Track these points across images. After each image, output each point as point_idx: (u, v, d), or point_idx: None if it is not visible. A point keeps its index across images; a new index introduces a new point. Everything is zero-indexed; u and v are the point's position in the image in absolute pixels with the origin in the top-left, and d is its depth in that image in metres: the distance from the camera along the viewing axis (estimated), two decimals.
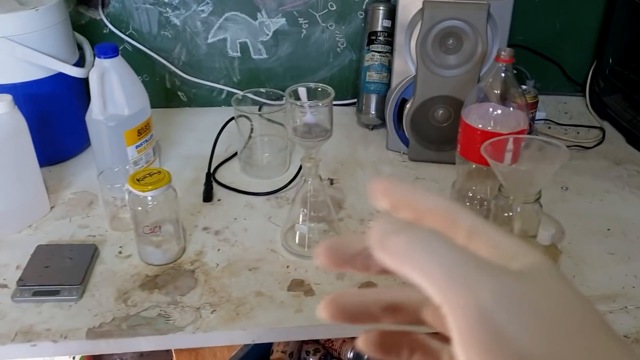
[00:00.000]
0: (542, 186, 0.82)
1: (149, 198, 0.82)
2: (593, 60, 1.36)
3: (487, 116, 0.88)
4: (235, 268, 0.87)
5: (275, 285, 0.84)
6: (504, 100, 0.87)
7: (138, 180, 0.82)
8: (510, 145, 0.86)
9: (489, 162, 0.80)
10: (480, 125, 0.88)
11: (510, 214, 0.83)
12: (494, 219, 0.86)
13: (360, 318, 0.30)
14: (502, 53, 0.84)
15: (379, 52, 1.19)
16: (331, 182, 1.05)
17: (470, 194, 0.96)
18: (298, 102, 0.79)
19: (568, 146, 1.23)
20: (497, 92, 0.87)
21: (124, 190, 0.86)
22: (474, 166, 0.92)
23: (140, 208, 0.83)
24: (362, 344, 0.31)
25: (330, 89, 0.81)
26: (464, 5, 0.98)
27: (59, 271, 0.83)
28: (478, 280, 0.23)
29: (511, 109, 0.88)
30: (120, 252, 0.90)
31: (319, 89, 0.82)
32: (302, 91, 0.77)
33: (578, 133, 1.26)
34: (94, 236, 0.93)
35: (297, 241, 0.91)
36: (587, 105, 1.36)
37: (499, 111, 0.88)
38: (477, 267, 0.23)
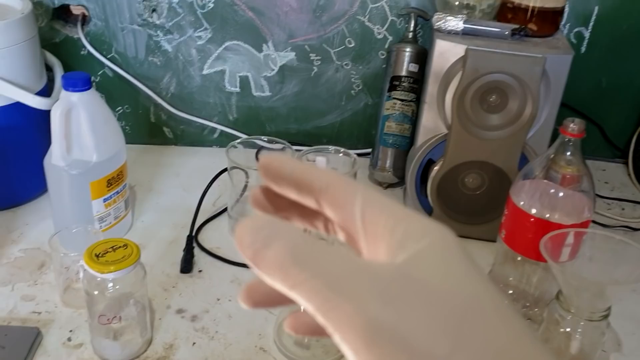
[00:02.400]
0: (614, 301, 0.64)
1: (110, 282, 0.64)
2: (638, 123, 1.20)
3: (542, 199, 0.71)
4: None
5: None
6: (565, 180, 0.70)
7: (97, 256, 0.63)
8: (570, 239, 0.69)
9: (552, 268, 0.62)
10: (534, 211, 0.71)
11: (568, 329, 0.65)
12: (545, 332, 0.68)
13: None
14: (571, 125, 0.67)
15: (401, 100, 1.01)
16: None
17: (510, 289, 0.78)
18: None
19: (613, 226, 1.08)
20: (559, 171, 0.69)
21: (79, 266, 0.67)
22: (519, 258, 0.75)
23: (97, 292, 0.64)
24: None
25: (353, 155, 0.64)
26: (515, 57, 0.81)
27: None
28: (358, 289, 0.21)
29: (574, 191, 0.71)
30: (69, 339, 0.71)
31: (340, 154, 0.65)
32: (320, 161, 0.59)
33: (623, 209, 1.09)
34: (39, 313, 0.74)
35: (294, 340, 0.72)
36: (629, 174, 1.19)
37: (561, 194, 0.70)
38: (356, 274, 0.22)
